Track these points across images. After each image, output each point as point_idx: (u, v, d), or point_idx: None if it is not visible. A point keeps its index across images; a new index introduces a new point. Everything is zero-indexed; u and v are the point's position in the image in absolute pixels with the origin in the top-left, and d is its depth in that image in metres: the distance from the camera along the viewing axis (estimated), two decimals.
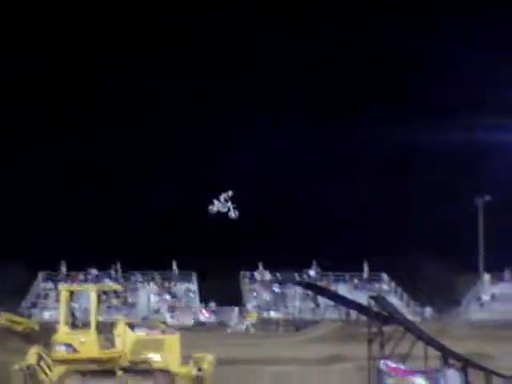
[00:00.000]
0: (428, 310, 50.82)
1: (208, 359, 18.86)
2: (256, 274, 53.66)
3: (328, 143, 56.63)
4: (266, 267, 53.28)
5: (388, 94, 57.11)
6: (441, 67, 57.38)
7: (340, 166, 57.43)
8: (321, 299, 46.60)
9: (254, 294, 52.55)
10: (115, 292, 44.37)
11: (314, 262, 53.45)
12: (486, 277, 54.74)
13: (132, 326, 18.60)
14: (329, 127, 55.79)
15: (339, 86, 57.10)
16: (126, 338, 18.11)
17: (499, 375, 21.32)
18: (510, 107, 50.86)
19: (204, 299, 50.20)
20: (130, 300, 48.99)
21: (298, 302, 47.70)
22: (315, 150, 58.17)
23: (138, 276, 51.34)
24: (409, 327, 23.73)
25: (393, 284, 53.81)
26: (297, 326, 42.72)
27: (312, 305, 49.30)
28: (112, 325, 18.81)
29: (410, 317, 37.95)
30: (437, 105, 55.78)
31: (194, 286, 51.54)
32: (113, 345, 18.19)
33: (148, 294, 49.04)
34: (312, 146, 57.97)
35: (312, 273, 53.48)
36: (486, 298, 52.79)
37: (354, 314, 40.44)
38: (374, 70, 58.34)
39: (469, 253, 54.38)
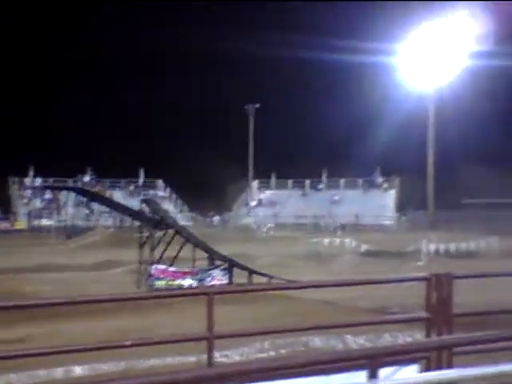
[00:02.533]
0: (200, 216, 53.09)
1: None
2: (26, 179, 51.36)
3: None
4: (37, 173, 51.14)
5: None
6: None
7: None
8: (95, 206, 46.23)
9: (25, 200, 50.46)
10: None
11: (89, 168, 52.46)
12: (255, 184, 58.26)
13: None
14: None
15: None
16: None
17: (260, 274, 23.01)
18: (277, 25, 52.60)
19: None
20: None
21: (71, 208, 46.82)
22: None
23: None
24: (179, 231, 24.48)
25: (168, 190, 55.05)
26: (69, 233, 42.11)
27: (86, 211, 48.70)
28: None
29: (182, 222, 39.25)
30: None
31: None
32: None
33: None
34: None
35: (86, 179, 52.55)
36: (253, 203, 56.39)
37: (128, 220, 40.89)
38: None
39: (240, 161, 57.15)
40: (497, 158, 49.45)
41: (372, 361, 3.37)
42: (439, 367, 4.97)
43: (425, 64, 51.05)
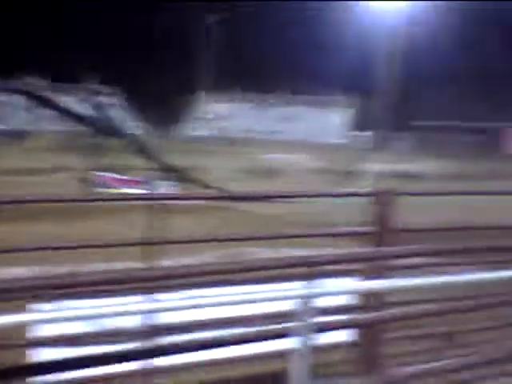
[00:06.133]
0: (150, 127, 52.32)
1: None
2: None
3: None
4: None
5: None
6: None
7: None
8: (45, 110, 44.95)
9: None
10: None
11: (39, 73, 50.66)
12: (206, 96, 57.42)
13: None
14: None
15: None
16: None
17: (209, 186, 23.04)
18: None
19: None
20: None
21: (21, 112, 45.46)
22: None
23: None
24: (131, 140, 24.23)
25: (120, 99, 53.83)
26: (19, 136, 41.08)
27: (35, 115, 47.35)
28: None
29: (132, 130, 38.73)
30: None
31: None
32: None
33: None
34: None
35: (35, 82, 50.81)
36: (205, 115, 55.76)
37: (78, 126, 40.04)
38: None
39: (189, 71, 55.88)
40: (455, 81, 49.78)
41: (311, 269, 3.40)
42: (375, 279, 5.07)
43: None
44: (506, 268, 3.95)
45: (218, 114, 55.27)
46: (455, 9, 47.15)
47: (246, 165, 30.85)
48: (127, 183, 21.73)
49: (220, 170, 28.17)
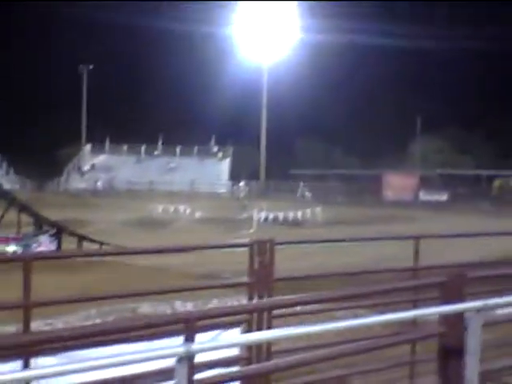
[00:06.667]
0: (28, 180, 50.43)
1: None
2: None
3: None
4: None
5: None
6: None
7: None
8: None
9: None
10: None
11: None
12: (88, 148, 56.43)
13: None
14: None
15: None
16: None
17: (90, 240, 22.41)
18: None
19: None
20: None
21: None
22: None
23: None
24: (5, 195, 23.16)
25: None
26: None
27: None
28: None
29: (7, 185, 37.17)
30: None
31: None
32: None
33: None
34: None
35: None
36: (86, 167, 54.62)
37: None
38: None
39: (74, 124, 54.91)
40: (327, 131, 51.91)
41: (188, 325, 3.36)
42: (259, 330, 5.10)
43: (261, 37, 52.36)
44: (389, 310, 4.10)
45: (103, 167, 54.36)
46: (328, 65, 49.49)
47: (131, 216, 30.36)
48: (3, 240, 20.74)
49: (104, 223, 27.54)
